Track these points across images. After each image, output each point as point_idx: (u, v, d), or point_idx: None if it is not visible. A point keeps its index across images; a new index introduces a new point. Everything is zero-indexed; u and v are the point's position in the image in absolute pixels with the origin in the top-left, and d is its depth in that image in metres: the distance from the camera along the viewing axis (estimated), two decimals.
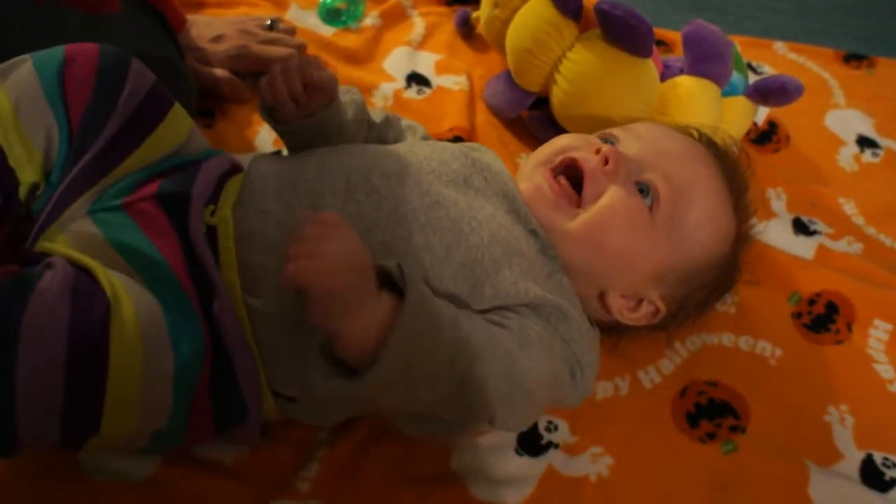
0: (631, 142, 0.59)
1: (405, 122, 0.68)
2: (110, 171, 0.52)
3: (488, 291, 0.50)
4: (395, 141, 0.65)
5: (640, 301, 0.58)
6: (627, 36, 0.69)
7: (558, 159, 0.58)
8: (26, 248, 0.52)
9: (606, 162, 0.56)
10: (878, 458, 0.61)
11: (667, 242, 0.56)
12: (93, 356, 0.43)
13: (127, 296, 0.45)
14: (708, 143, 0.62)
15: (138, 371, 0.44)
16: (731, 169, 0.61)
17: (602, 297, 0.58)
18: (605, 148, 0.57)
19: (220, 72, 0.78)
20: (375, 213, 0.50)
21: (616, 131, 0.61)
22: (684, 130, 0.63)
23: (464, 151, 0.59)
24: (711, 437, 0.61)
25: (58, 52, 0.52)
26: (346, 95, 0.62)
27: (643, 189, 0.56)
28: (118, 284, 0.45)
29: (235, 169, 0.58)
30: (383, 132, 0.65)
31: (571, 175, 0.57)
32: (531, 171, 0.59)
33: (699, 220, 0.57)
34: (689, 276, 0.58)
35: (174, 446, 0.52)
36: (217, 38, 0.81)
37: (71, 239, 0.49)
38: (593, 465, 0.58)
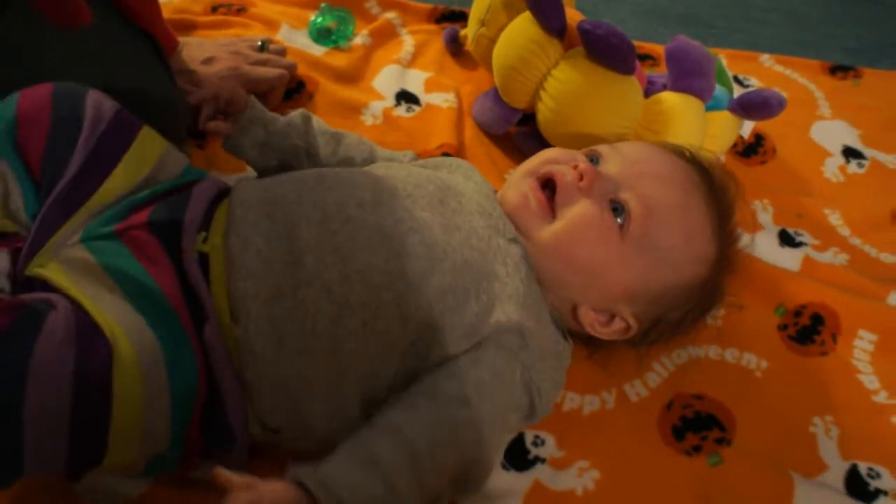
0: (614, 160, 0.60)
1: (387, 152, 0.70)
2: (85, 201, 0.53)
3: (456, 323, 0.51)
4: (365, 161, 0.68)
5: (613, 316, 0.59)
6: (609, 54, 0.71)
7: (542, 171, 0.59)
8: (16, 272, 0.52)
9: (582, 178, 0.57)
10: (862, 468, 0.61)
11: (637, 262, 0.57)
12: (97, 398, 0.44)
13: (124, 336, 0.45)
14: (697, 166, 0.63)
15: (140, 407, 0.45)
16: (717, 193, 0.61)
17: (574, 310, 0.59)
18: (583, 165, 0.58)
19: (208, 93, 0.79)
20: (351, 242, 0.51)
21: (602, 149, 0.62)
22: (676, 151, 0.64)
23: (438, 176, 0.60)
24: (697, 449, 0.61)
25: (10, 101, 0.53)
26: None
27: (617, 208, 0.57)
28: (114, 323, 0.45)
29: (224, 193, 0.58)
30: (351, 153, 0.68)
31: (551, 189, 0.59)
32: (518, 179, 0.60)
33: (673, 243, 0.58)
34: (663, 296, 0.59)
35: (167, 472, 0.52)
36: (208, 60, 0.82)
37: (65, 265, 0.49)
38: (580, 479, 0.58)
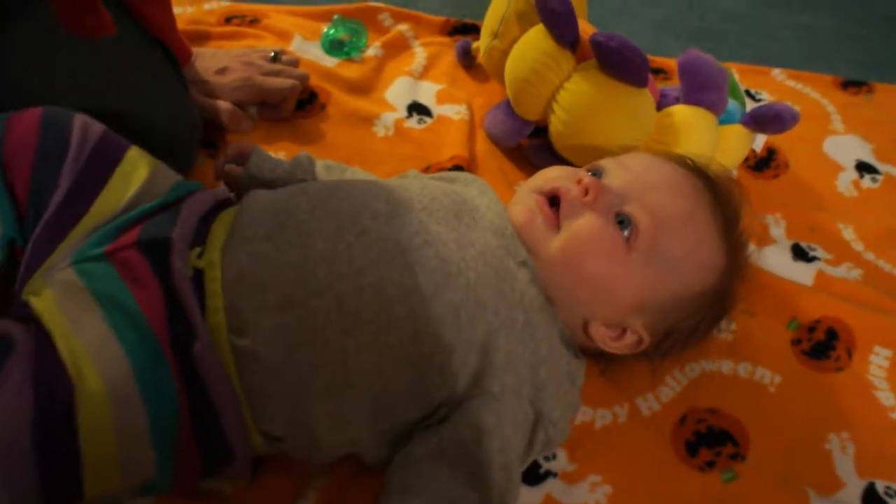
0: (618, 173, 0.60)
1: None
2: (75, 225, 0.53)
3: (469, 340, 0.51)
4: None
5: (624, 330, 0.59)
6: (623, 67, 0.71)
7: (547, 187, 0.59)
8: (15, 291, 0.52)
9: (587, 192, 0.57)
10: (880, 486, 0.60)
11: (646, 274, 0.57)
12: (62, 437, 0.44)
13: (91, 366, 0.45)
14: (699, 174, 0.62)
15: (111, 440, 0.45)
16: (722, 199, 0.61)
17: (586, 326, 0.59)
18: (587, 179, 0.58)
19: (222, 103, 0.80)
20: (365, 254, 0.50)
21: (605, 163, 0.62)
22: (678, 160, 0.64)
23: (454, 189, 0.60)
24: (711, 465, 0.61)
25: None
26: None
27: (623, 220, 0.57)
28: (85, 357, 0.45)
29: (222, 204, 0.58)
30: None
31: (558, 205, 0.58)
32: (524, 195, 0.60)
33: (681, 253, 0.58)
34: (674, 306, 0.59)
35: (164, 492, 0.52)
36: (222, 71, 0.82)
37: (55, 291, 0.49)
38: (592, 493, 0.58)
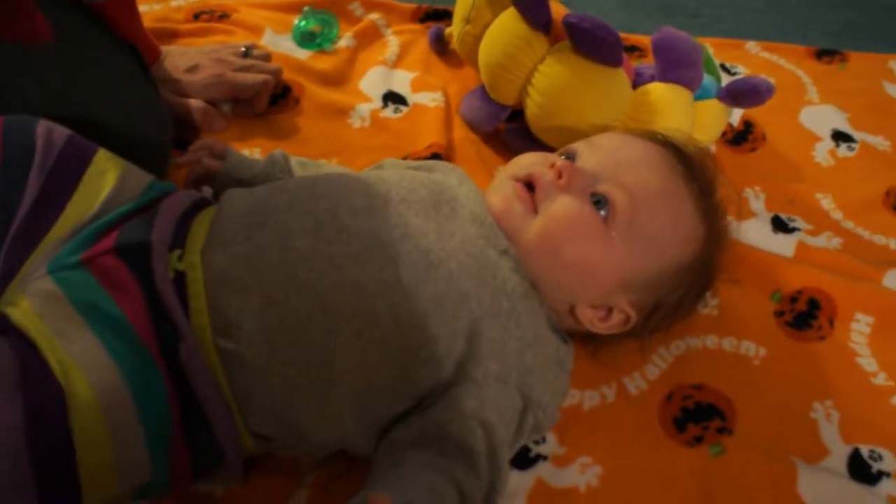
0: (590, 155, 0.60)
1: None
2: (46, 233, 0.51)
3: (454, 330, 0.51)
4: None
5: (610, 310, 0.59)
6: (596, 47, 0.70)
7: (522, 174, 0.59)
8: None
9: (561, 176, 0.57)
10: (864, 451, 0.61)
11: (628, 251, 0.57)
12: (57, 443, 0.43)
13: (79, 372, 0.45)
14: (671, 148, 0.62)
15: (108, 445, 0.45)
16: (695, 171, 0.61)
17: (572, 310, 0.59)
18: (560, 162, 0.58)
19: (193, 102, 0.79)
20: (345, 251, 0.50)
21: (577, 145, 0.62)
22: (649, 136, 0.64)
23: (432, 179, 0.59)
24: (699, 440, 0.61)
25: None
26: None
27: (599, 201, 0.57)
28: (72, 364, 0.45)
29: (199, 204, 0.57)
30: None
31: (533, 191, 0.58)
32: (501, 183, 0.60)
33: (660, 226, 0.58)
34: (658, 281, 0.59)
35: (159, 495, 0.51)
36: (192, 69, 0.81)
37: (33, 301, 0.48)
38: (582, 475, 0.58)
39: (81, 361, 0.45)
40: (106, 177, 0.55)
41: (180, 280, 0.50)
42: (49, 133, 0.54)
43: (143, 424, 0.46)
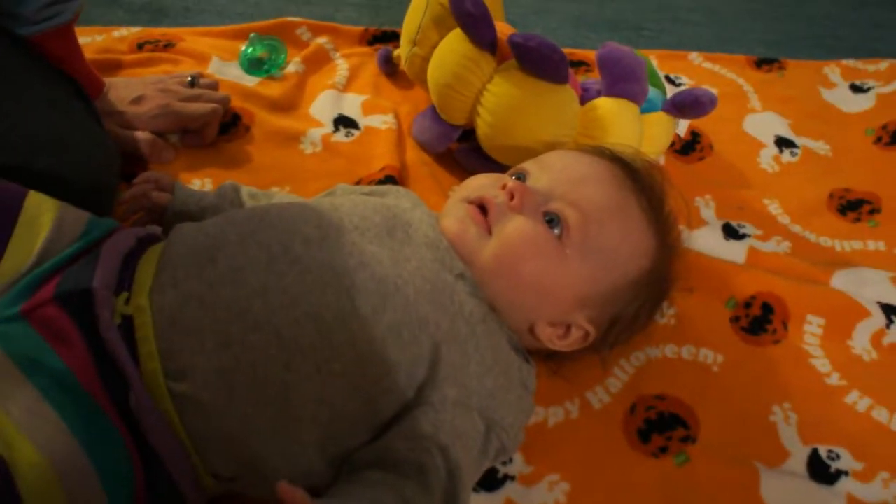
0: (540, 174, 0.61)
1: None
2: None
3: (414, 356, 0.50)
4: None
5: (569, 327, 0.59)
6: (542, 65, 0.71)
7: (474, 196, 0.59)
8: None
9: (512, 197, 0.57)
10: (822, 451, 0.62)
11: (583, 267, 0.57)
12: None
13: (23, 438, 0.43)
14: (618, 162, 0.63)
15: (62, 502, 0.43)
16: (644, 184, 0.62)
17: (532, 329, 0.59)
18: (511, 183, 0.58)
19: (140, 134, 0.77)
20: (299, 283, 0.49)
21: (527, 165, 0.63)
22: (596, 152, 0.65)
23: (385, 204, 0.59)
24: (664, 450, 0.62)
25: None
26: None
27: (552, 219, 0.57)
28: (10, 429, 0.43)
29: (145, 241, 0.56)
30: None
31: (486, 213, 0.58)
32: (454, 206, 0.60)
33: (613, 240, 0.58)
34: (614, 295, 0.59)
35: None
36: (137, 100, 0.80)
37: None
38: (550, 493, 0.58)
39: (25, 424, 0.43)
40: (40, 221, 0.53)
41: (128, 324, 0.48)
42: None
43: (101, 477, 0.45)
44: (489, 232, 0.57)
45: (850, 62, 1.08)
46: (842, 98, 1.03)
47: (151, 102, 0.80)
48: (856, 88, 1.04)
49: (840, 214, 0.86)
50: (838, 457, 0.62)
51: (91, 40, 0.94)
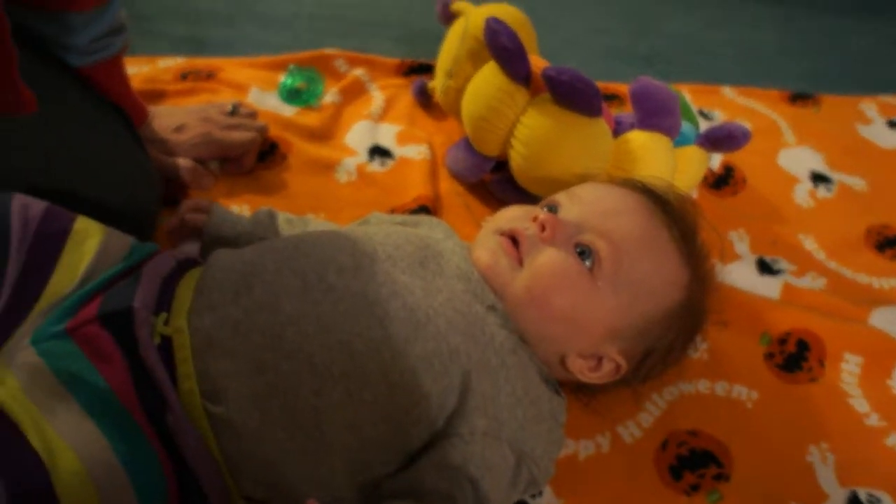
0: (572, 206, 0.61)
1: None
2: (31, 309, 0.51)
3: (444, 387, 0.50)
4: None
5: (601, 359, 0.59)
6: (575, 99, 0.72)
7: (506, 228, 0.59)
8: None
9: (544, 229, 0.57)
10: (862, 494, 0.61)
11: (614, 299, 0.57)
12: None
13: (66, 446, 0.44)
14: (649, 194, 0.63)
15: None
16: (675, 215, 0.62)
17: (563, 360, 0.59)
18: (542, 215, 0.58)
19: (181, 161, 0.80)
20: (333, 311, 0.50)
21: (559, 197, 0.63)
22: (628, 184, 0.65)
23: (418, 234, 0.60)
24: (695, 488, 0.61)
25: None
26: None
27: (584, 251, 0.57)
28: (53, 437, 0.44)
29: (184, 265, 0.57)
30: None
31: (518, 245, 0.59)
32: (485, 237, 0.60)
33: (645, 273, 0.58)
34: (647, 328, 0.59)
35: None
36: (179, 128, 0.82)
37: (19, 376, 0.47)
38: None
39: (69, 436, 0.45)
40: (86, 245, 0.54)
41: (167, 345, 0.49)
42: (24, 210, 0.53)
43: (137, 492, 0.46)
44: (520, 264, 0.57)
45: (888, 98, 1.08)
46: (879, 134, 1.02)
47: (193, 131, 0.82)
48: (893, 125, 1.03)
49: (878, 251, 0.84)
50: (879, 501, 0.60)
51: (138, 70, 0.97)
